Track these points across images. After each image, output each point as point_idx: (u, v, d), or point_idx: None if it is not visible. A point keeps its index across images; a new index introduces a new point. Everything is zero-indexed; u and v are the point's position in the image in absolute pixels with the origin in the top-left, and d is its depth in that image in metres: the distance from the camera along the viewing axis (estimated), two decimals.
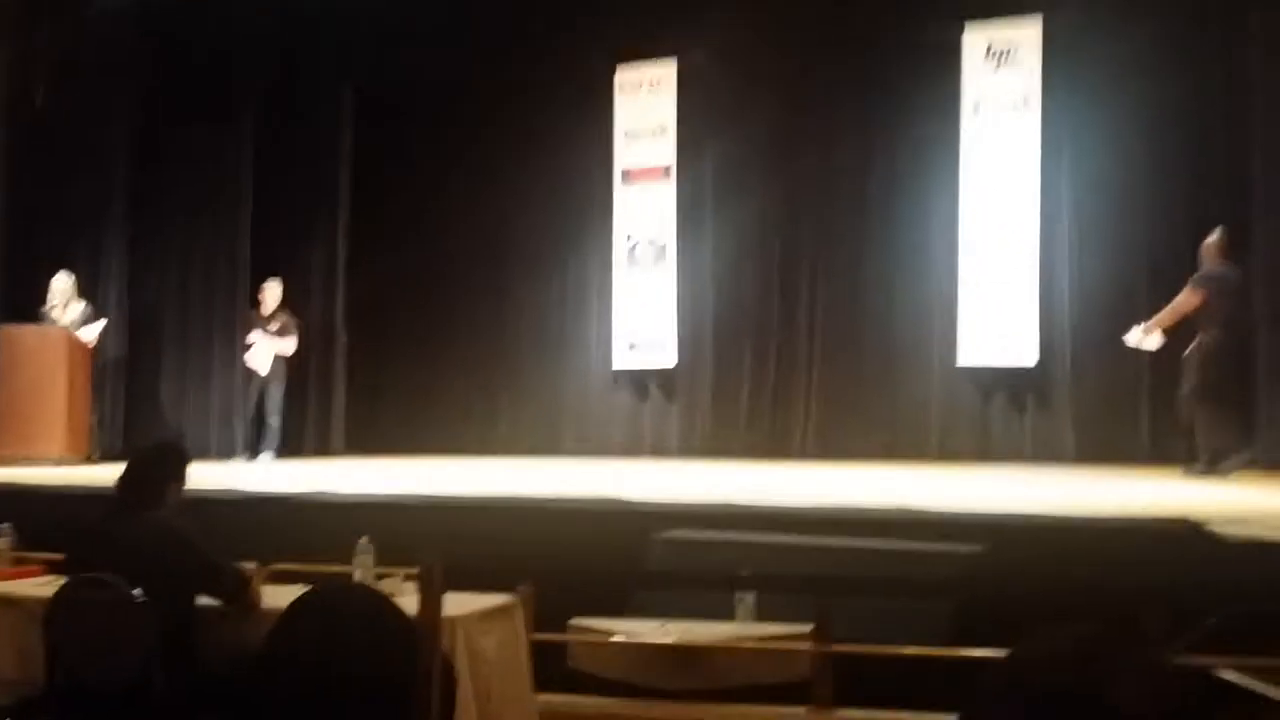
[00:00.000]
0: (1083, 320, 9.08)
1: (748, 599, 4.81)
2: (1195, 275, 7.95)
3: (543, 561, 5.67)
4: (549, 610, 4.65)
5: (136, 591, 3.77)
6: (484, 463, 10.03)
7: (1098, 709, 1.12)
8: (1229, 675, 4.58)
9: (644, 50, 10.89)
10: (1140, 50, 9.37)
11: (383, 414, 11.50)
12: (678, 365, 10.86)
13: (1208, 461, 7.80)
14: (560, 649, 4.77)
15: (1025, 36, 9.71)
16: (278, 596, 3.99)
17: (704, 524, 6.04)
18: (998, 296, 9.68)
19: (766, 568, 5.17)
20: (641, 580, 5.56)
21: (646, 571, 5.66)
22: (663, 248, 10.93)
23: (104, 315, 10.17)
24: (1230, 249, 8.00)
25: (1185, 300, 7.90)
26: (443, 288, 11.66)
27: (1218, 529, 5.38)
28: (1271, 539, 5.25)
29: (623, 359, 11.03)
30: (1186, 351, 8.00)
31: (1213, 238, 8.01)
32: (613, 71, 11.05)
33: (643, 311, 10.94)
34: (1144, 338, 8.09)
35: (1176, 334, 8.06)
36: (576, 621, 4.83)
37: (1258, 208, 8.65)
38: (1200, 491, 7.28)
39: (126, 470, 4.24)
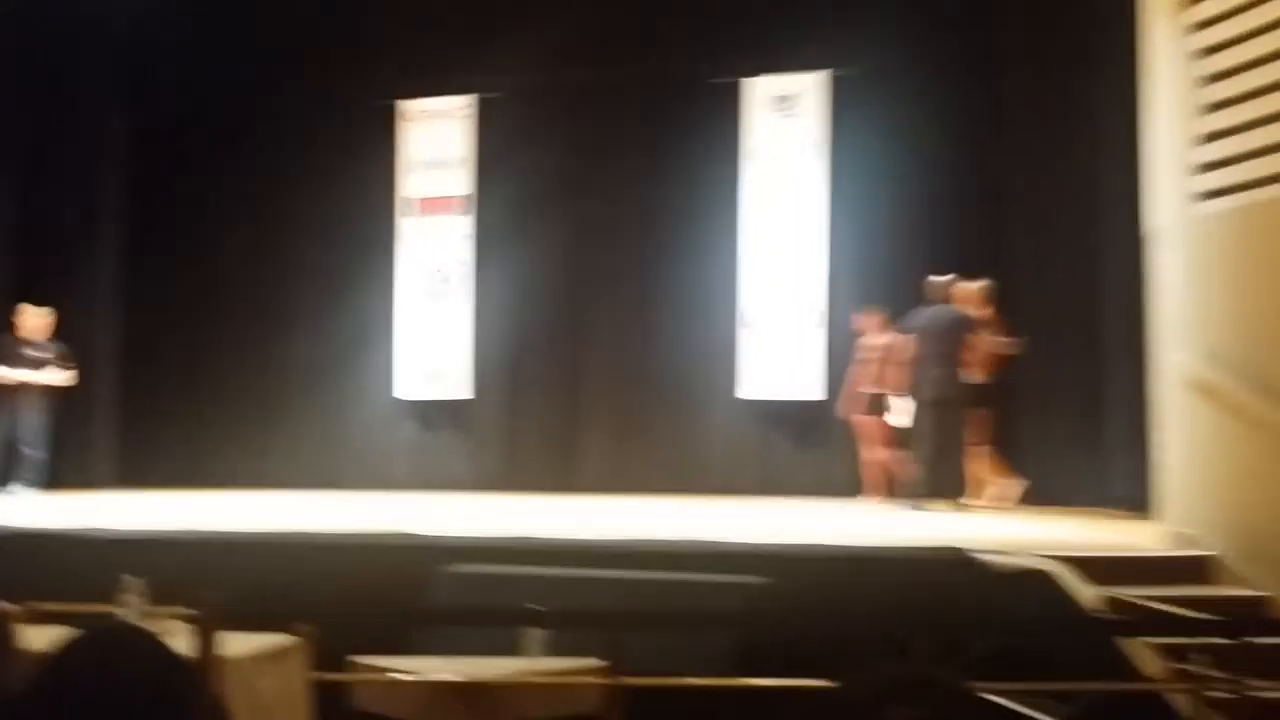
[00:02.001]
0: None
1: (536, 633, 4.76)
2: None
3: (325, 599, 5.48)
4: (331, 649, 4.49)
5: None
6: (262, 496, 9.66)
7: None
8: (996, 699, 4.81)
9: (439, 85, 10.81)
10: (913, 99, 9.90)
11: (152, 445, 10.94)
12: (467, 397, 10.75)
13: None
14: (343, 689, 4.60)
15: (809, 86, 10.10)
16: (37, 638, 3.71)
17: (492, 558, 5.97)
18: (783, 333, 9.97)
19: (555, 601, 5.14)
20: (427, 616, 5.43)
21: (433, 607, 5.55)
22: (457, 279, 10.82)
23: None
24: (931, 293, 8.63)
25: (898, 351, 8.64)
26: (221, 315, 11.21)
27: (985, 557, 5.66)
28: (1032, 567, 5.56)
29: (411, 389, 10.85)
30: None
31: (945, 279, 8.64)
32: (407, 101, 10.92)
33: (433, 342, 10.80)
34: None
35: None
36: (359, 660, 4.67)
37: (1019, 246, 9.21)
38: (966, 522, 7.67)
39: None
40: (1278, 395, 5.45)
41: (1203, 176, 5.88)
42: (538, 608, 4.81)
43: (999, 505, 8.58)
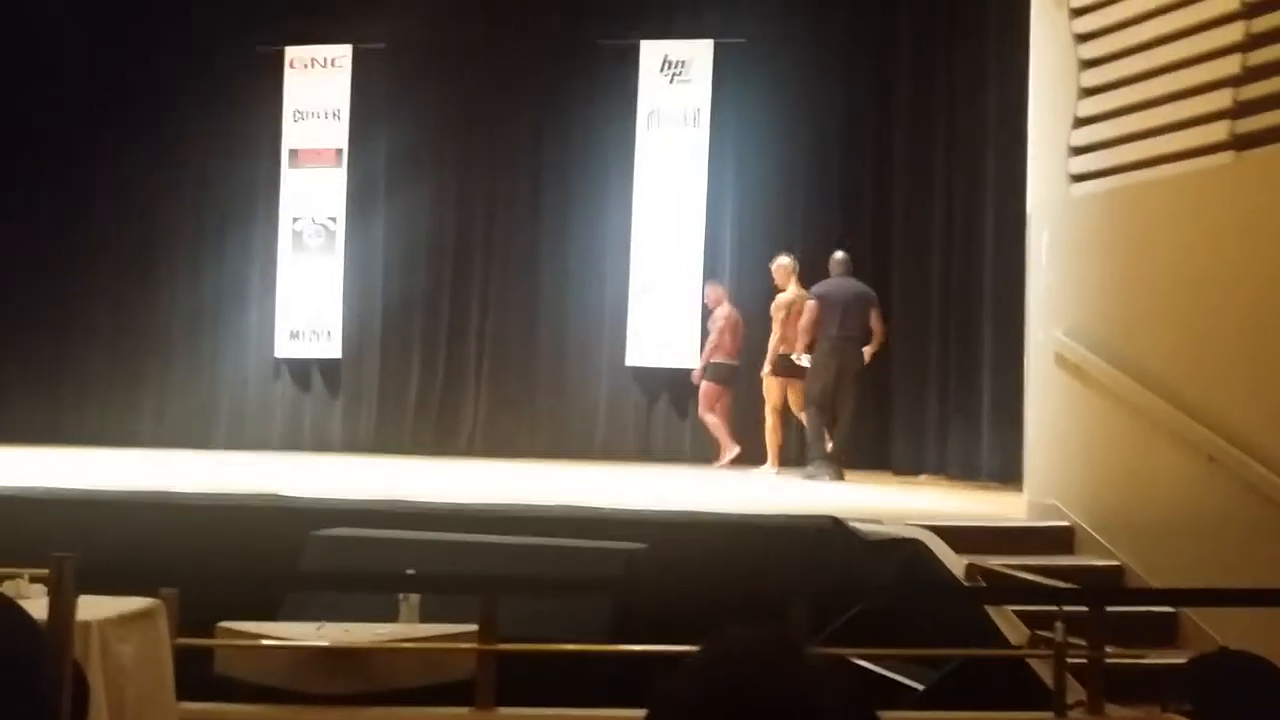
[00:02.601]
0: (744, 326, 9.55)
1: (411, 598, 4.69)
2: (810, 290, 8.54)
3: (191, 561, 5.34)
4: (198, 614, 4.36)
5: None
6: (127, 455, 9.33)
7: (786, 705, 1.13)
8: (864, 663, 4.91)
9: (317, 33, 10.52)
10: (800, 71, 9.94)
11: (10, 399, 10.49)
12: (343, 356, 10.54)
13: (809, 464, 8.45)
14: (208, 655, 4.48)
15: (698, 52, 10.09)
16: None
17: (366, 522, 5.87)
18: (665, 300, 9.98)
19: (430, 566, 5.07)
20: (298, 581, 5.32)
21: (304, 571, 5.43)
22: (331, 234, 10.57)
23: None
24: (836, 267, 8.63)
25: (808, 314, 8.46)
26: (84, 267, 10.77)
27: (858, 526, 5.76)
28: (903, 536, 5.68)
29: (284, 348, 10.58)
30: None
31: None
32: (282, 49, 10.60)
33: (308, 299, 10.54)
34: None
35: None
36: (225, 625, 4.55)
37: (898, 222, 9.35)
38: (839, 491, 7.79)
39: None
40: (1136, 372, 5.63)
41: (1077, 159, 6.02)
42: (411, 573, 4.75)
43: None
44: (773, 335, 8.64)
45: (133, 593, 4.01)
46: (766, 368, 8.68)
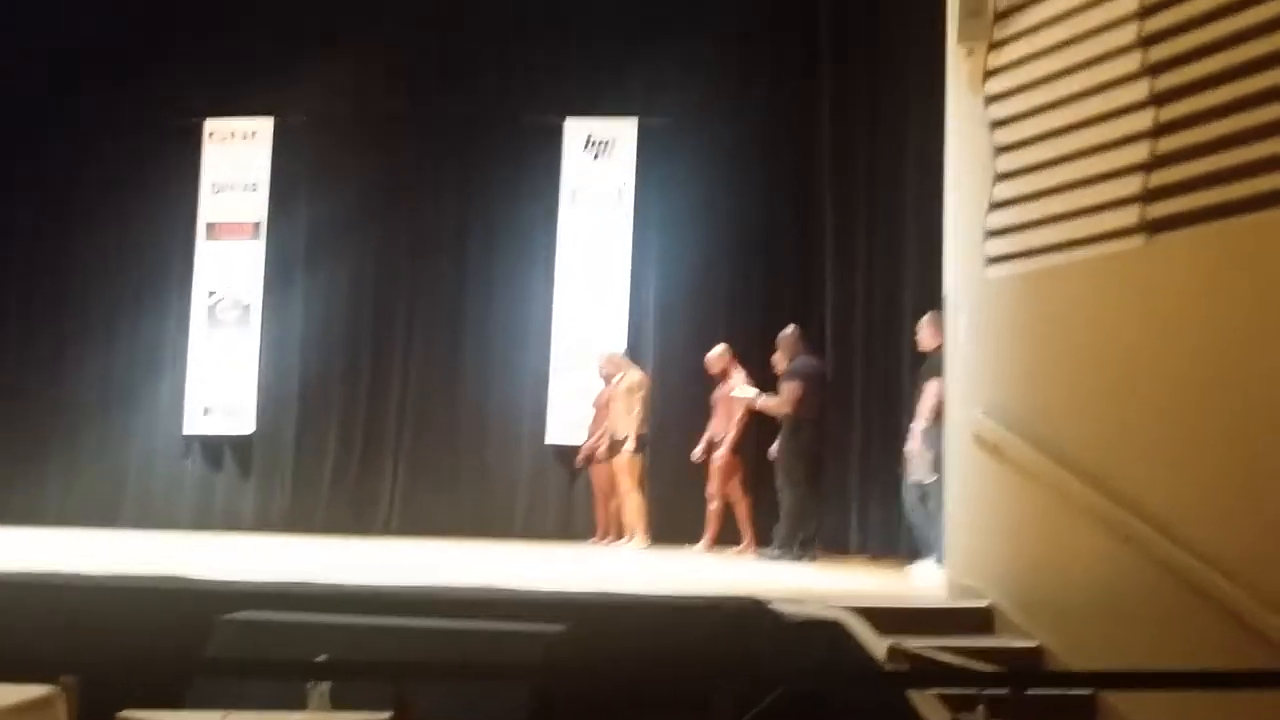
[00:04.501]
0: (667, 403, 9.56)
1: (322, 686, 4.54)
2: (788, 369, 8.43)
3: (92, 646, 5.13)
4: (98, 702, 4.17)
5: None
6: (28, 534, 9.02)
7: None
8: None
9: (237, 105, 10.46)
10: (723, 150, 10.08)
11: None
12: (256, 432, 10.34)
13: (786, 546, 8.27)
14: None
15: (622, 130, 10.19)
16: None
17: (277, 605, 5.70)
18: (587, 379, 9.93)
19: (344, 651, 4.93)
20: (204, 667, 5.13)
21: (210, 658, 5.25)
22: (247, 308, 10.43)
23: None
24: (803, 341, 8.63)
25: (793, 391, 8.31)
26: None
27: (780, 607, 5.71)
28: (825, 617, 5.64)
29: (195, 424, 10.36)
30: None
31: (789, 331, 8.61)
32: (201, 121, 10.53)
33: (221, 374, 10.35)
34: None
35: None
36: (127, 714, 4.36)
37: (821, 300, 9.44)
38: (761, 571, 7.76)
39: None
40: (1054, 452, 5.70)
41: (993, 241, 6.14)
42: (323, 659, 4.60)
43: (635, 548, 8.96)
44: (633, 414, 9.00)
45: (30, 680, 3.85)
46: (631, 444, 8.97)
